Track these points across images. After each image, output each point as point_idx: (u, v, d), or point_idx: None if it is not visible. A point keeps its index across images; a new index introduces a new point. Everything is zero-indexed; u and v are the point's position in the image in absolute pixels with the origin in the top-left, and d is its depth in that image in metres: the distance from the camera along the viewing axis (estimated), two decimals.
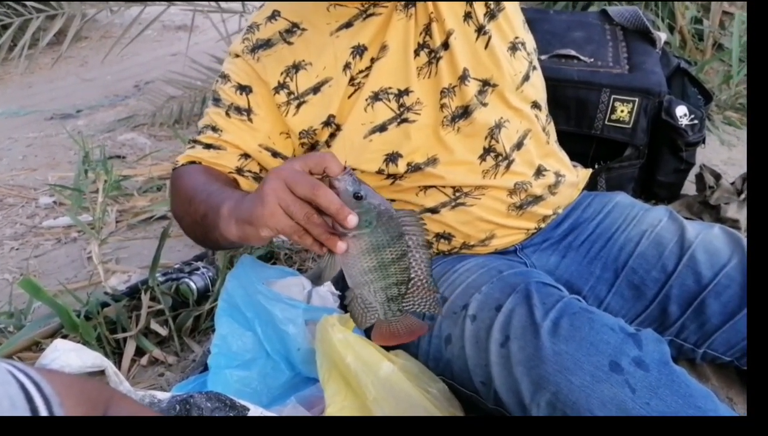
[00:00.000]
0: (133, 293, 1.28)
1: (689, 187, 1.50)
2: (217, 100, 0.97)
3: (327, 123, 0.95)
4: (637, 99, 1.25)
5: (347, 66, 0.93)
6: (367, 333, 0.82)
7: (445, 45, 0.93)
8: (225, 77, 0.96)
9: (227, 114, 0.95)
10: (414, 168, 0.95)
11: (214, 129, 0.96)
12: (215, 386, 0.97)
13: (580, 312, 0.77)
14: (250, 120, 0.95)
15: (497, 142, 0.96)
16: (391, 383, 0.92)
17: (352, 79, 0.94)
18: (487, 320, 0.84)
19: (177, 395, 0.75)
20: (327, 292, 1.13)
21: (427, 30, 0.94)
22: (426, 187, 0.97)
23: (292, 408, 0.89)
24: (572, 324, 0.75)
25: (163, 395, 0.76)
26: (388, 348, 1.03)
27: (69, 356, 0.71)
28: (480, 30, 0.94)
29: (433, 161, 0.95)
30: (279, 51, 0.94)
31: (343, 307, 1.12)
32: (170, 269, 1.35)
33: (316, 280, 0.70)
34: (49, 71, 4.83)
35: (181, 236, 1.78)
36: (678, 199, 1.43)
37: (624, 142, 1.28)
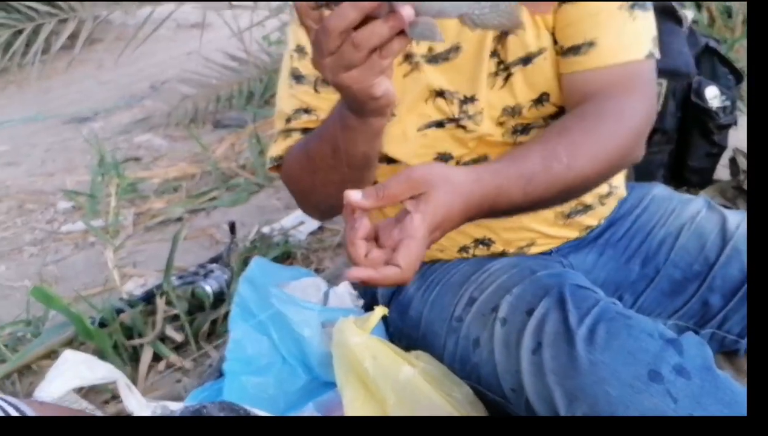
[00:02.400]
0: (149, 297, 1.26)
1: (722, 172, 1.43)
2: (299, 78, 0.87)
3: None
4: (664, 81, 1.19)
5: None
6: None
7: (527, 60, 0.83)
8: (302, 50, 0.86)
9: (316, 90, 0.86)
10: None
11: (308, 111, 0.87)
12: (231, 393, 0.95)
13: (617, 318, 0.72)
14: None
15: None
16: (411, 387, 0.88)
17: (408, 56, 0.84)
18: (518, 325, 0.78)
19: (190, 406, 0.73)
20: (345, 292, 1.10)
21: (502, 39, 0.82)
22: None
23: (308, 415, 0.86)
24: (608, 331, 0.70)
25: (175, 406, 0.73)
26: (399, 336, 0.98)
27: (79, 368, 0.68)
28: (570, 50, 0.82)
29: (484, 160, 0.87)
30: None
31: (367, 306, 1.08)
32: (185, 273, 1.33)
33: (439, 40, 0.55)
34: (65, 75, 4.87)
35: (196, 237, 1.77)
36: (711, 185, 1.37)
37: (654, 129, 1.22)
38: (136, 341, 1.18)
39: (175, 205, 1.99)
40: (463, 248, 0.94)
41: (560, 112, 0.86)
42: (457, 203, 0.62)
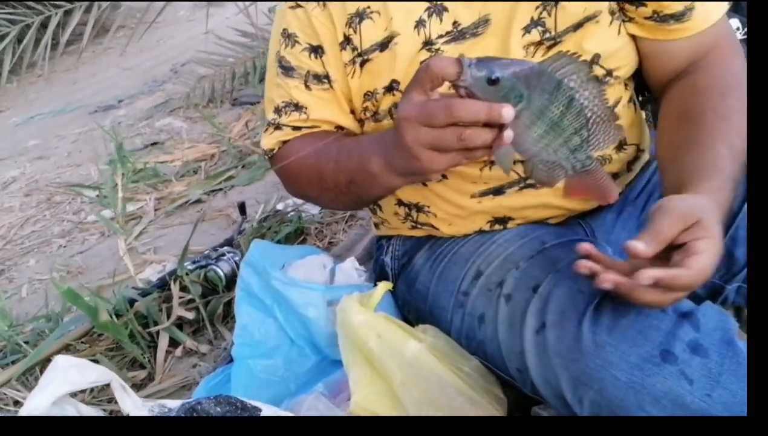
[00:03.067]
0: (164, 284, 1.27)
1: None
2: (287, 69, 0.82)
3: (389, 88, 0.79)
4: None
5: (420, 23, 0.76)
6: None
7: (577, 27, 0.76)
8: (290, 37, 0.81)
9: (307, 86, 0.82)
10: None
11: (298, 107, 0.83)
12: (240, 378, 0.94)
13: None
14: (332, 88, 0.81)
15: None
16: (419, 364, 0.85)
17: (427, 43, 0.77)
18: (523, 302, 0.74)
19: (186, 403, 0.72)
20: (351, 268, 1.07)
21: (548, 8, 0.75)
22: (492, 163, 0.81)
23: (314, 398, 0.85)
24: (615, 309, 0.64)
25: (173, 404, 0.72)
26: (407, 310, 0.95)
27: (70, 372, 0.68)
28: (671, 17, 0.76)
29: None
30: None
31: (376, 278, 1.05)
32: (199, 256, 1.33)
33: (508, 171, 0.63)
34: (91, 65, 4.94)
35: (213, 219, 1.77)
36: None
37: None
38: (153, 329, 1.18)
39: (194, 188, 1.99)
40: (480, 231, 0.89)
41: (608, 74, 0.79)
42: (717, 222, 0.62)
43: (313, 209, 1.54)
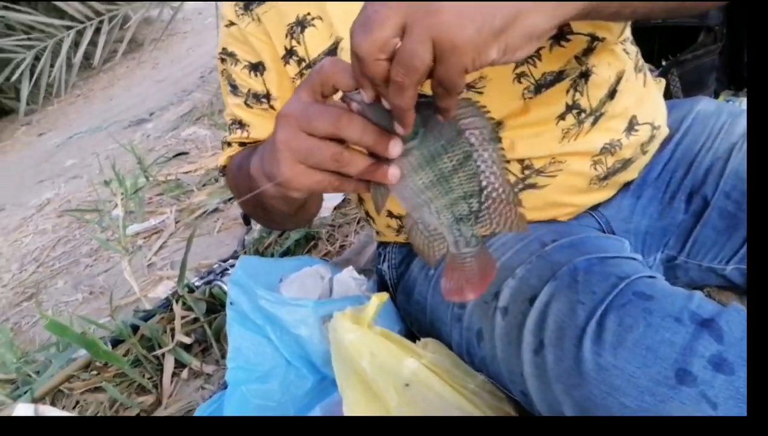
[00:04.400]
0: (169, 304, 1.23)
1: None
2: (233, 87, 0.80)
3: (343, 99, 0.73)
4: None
5: None
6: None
7: None
8: (232, 55, 0.78)
9: (247, 104, 0.79)
10: None
11: (242, 124, 0.80)
12: (232, 406, 0.88)
13: (633, 302, 0.55)
14: (272, 107, 0.78)
15: (581, 94, 0.70)
16: (417, 383, 0.77)
17: None
18: (519, 316, 0.64)
19: None
20: (349, 278, 0.99)
21: None
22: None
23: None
24: (621, 323, 0.54)
25: None
26: (409, 322, 0.88)
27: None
28: None
29: (496, 124, 0.70)
30: (276, 4, 0.73)
31: (378, 288, 0.98)
32: (204, 272, 1.28)
33: (379, 211, 0.54)
34: (127, 79, 5.05)
35: (228, 229, 1.73)
36: None
37: (694, 27, 0.98)
38: (158, 352, 1.15)
39: (213, 197, 1.96)
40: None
41: (593, 39, 0.67)
42: None
43: (324, 213, 1.47)
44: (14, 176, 3.55)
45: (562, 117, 0.70)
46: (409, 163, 0.49)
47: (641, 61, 0.79)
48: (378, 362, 0.78)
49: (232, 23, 0.77)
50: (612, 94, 0.72)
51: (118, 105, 4.37)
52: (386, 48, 0.41)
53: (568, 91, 0.70)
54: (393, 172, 0.47)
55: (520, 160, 0.72)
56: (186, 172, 2.33)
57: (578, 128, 0.71)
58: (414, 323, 0.88)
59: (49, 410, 0.65)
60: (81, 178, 2.88)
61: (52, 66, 2.73)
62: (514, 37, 0.42)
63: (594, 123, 0.72)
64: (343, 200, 1.49)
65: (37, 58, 2.73)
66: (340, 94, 0.49)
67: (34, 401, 1.05)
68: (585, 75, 0.70)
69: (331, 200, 1.49)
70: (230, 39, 0.78)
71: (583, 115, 0.71)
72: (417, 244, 0.55)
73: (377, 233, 0.93)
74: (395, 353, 0.79)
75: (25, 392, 1.15)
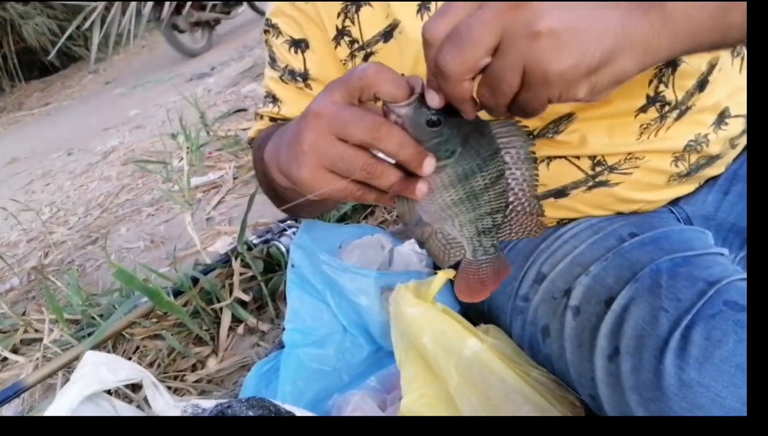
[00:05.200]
0: (228, 259, 1.24)
1: None
2: (272, 60, 0.78)
3: None
4: None
5: (423, 9, 0.65)
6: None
7: None
8: (275, 27, 0.75)
9: (282, 79, 0.77)
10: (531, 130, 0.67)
11: (275, 99, 0.79)
12: (289, 368, 0.89)
13: (723, 313, 0.51)
14: (308, 87, 0.75)
15: (666, 85, 0.64)
16: (479, 364, 0.75)
17: None
18: (594, 318, 0.60)
19: (220, 403, 0.67)
20: (410, 251, 0.97)
21: None
22: (550, 158, 0.68)
23: (360, 399, 0.77)
24: (709, 336, 0.50)
25: (207, 404, 0.68)
26: (467, 306, 0.86)
27: (100, 370, 0.65)
28: None
29: (567, 117, 0.65)
30: None
31: (435, 265, 0.96)
32: (264, 230, 1.29)
33: (400, 235, 0.54)
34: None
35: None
36: None
37: None
38: (217, 305, 1.16)
39: None
40: None
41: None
42: None
43: None
44: (81, 122, 3.66)
45: (642, 110, 0.64)
46: (440, 180, 0.48)
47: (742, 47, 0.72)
48: (440, 340, 0.76)
49: None
50: (702, 85, 0.65)
51: (182, 58, 4.43)
52: (476, 69, 0.39)
53: (651, 82, 0.63)
54: (421, 187, 0.46)
55: (591, 157, 0.67)
56: (244, 129, 2.34)
57: (659, 123, 0.65)
58: (471, 307, 0.86)
59: (119, 362, 0.67)
60: (144, 128, 2.94)
61: (122, 16, 2.77)
62: (603, 77, 0.40)
63: (678, 118, 0.65)
64: None
65: (107, 9, 2.77)
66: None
67: (98, 345, 1.09)
68: (672, 63, 0.63)
69: None
70: (277, 11, 0.75)
71: (666, 108, 0.64)
72: (433, 250, 0.55)
73: None
74: (458, 331, 0.77)
75: (89, 334, 1.19)
